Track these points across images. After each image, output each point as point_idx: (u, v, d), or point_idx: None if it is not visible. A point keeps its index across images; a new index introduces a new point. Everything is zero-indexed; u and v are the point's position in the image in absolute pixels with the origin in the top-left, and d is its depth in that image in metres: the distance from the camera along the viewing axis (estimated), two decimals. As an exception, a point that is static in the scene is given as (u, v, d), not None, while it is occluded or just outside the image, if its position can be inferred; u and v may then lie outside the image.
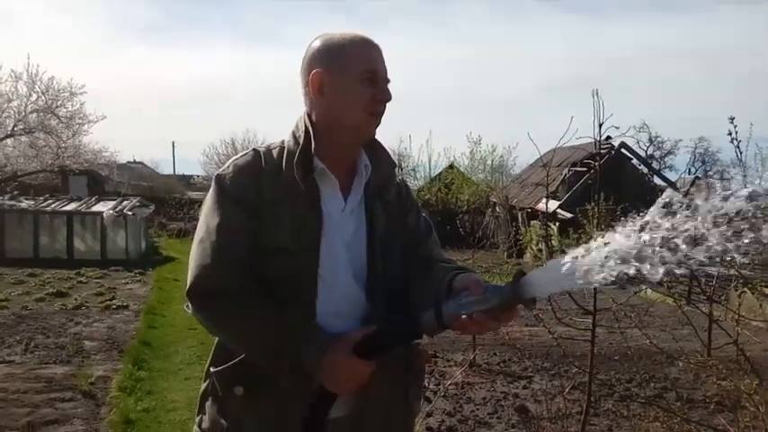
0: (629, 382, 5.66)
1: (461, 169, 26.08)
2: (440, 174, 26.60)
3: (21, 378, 5.19)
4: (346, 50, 1.39)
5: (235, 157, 1.46)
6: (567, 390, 3.88)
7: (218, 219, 1.35)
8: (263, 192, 1.37)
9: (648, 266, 0.94)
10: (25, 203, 15.27)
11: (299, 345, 1.30)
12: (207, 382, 1.49)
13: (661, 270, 0.93)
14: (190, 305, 1.38)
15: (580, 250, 1.04)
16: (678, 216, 0.93)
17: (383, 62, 1.42)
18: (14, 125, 20.02)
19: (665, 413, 3.01)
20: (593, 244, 1.03)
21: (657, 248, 0.94)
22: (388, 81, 1.42)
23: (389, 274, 1.44)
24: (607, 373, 5.84)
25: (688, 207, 0.93)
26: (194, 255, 1.37)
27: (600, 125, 4.01)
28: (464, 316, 1.20)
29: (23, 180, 21.78)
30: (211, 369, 1.46)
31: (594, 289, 3.96)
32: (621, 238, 0.99)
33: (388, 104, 1.43)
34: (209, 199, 1.40)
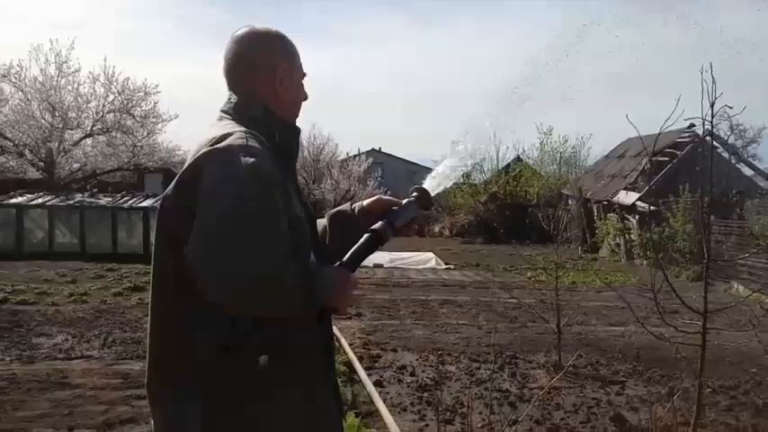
0: (733, 388, 5.16)
1: (529, 161, 25.36)
2: (507, 166, 25.97)
3: (98, 373, 5.21)
4: (295, 50, 1.62)
5: (244, 141, 1.39)
6: (674, 398, 3.48)
7: (272, 205, 1.35)
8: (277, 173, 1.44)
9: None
10: (103, 200, 15.77)
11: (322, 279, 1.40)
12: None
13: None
14: (276, 292, 1.30)
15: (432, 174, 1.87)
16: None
17: None
18: (93, 125, 20.84)
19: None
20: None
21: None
22: None
23: None
24: (708, 378, 5.35)
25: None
26: (261, 245, 1.29)
27: (711, 105, 3.59)
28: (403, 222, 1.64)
29: (102, 178, 22.62)
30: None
31: (705, 289, 3.58)
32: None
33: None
34: (250, 184, 1.32)
